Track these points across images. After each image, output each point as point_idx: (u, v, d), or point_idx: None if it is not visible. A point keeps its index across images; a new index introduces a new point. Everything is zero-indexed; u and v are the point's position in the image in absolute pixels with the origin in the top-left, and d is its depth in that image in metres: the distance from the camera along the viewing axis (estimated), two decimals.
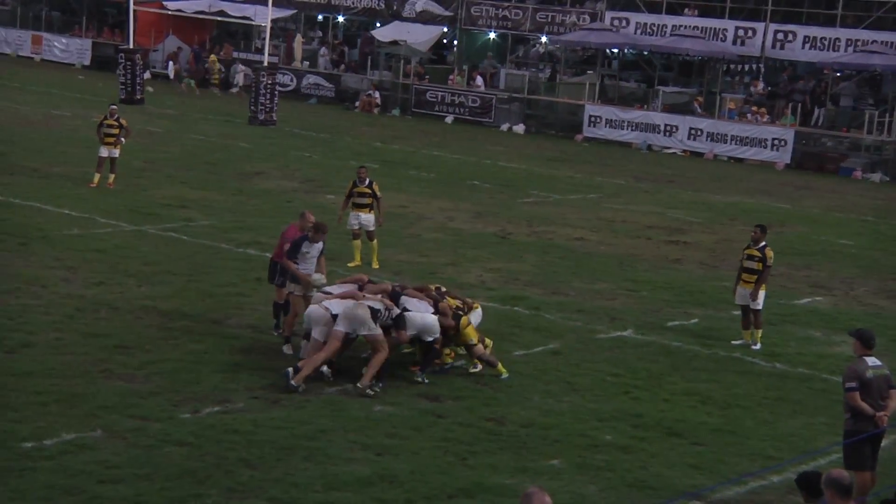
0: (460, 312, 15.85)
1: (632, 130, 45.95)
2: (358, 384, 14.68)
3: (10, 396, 13.48)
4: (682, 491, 12.38)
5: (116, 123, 27.18)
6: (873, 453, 12.17)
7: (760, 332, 18.34)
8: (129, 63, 45.62)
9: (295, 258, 16.02)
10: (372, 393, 14.58)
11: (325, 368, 15.01)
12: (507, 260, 23.25)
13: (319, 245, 16.20)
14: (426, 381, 15.26)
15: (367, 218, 21.56)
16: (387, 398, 14.58)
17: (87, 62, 58.10)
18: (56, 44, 59.68)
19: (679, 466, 13.18)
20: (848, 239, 28.78)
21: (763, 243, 18.28)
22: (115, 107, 28.24)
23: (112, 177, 27.07)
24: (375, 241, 21.55)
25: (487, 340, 16.25)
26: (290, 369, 14.60)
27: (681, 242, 26.76)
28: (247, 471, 11.99)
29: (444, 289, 16.51)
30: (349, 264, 20.63)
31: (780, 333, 19.27)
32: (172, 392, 14.11)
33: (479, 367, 15.91)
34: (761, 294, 18.22)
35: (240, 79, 53.59)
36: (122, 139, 27.34)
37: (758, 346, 18.17)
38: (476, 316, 16.33)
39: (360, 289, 15.63)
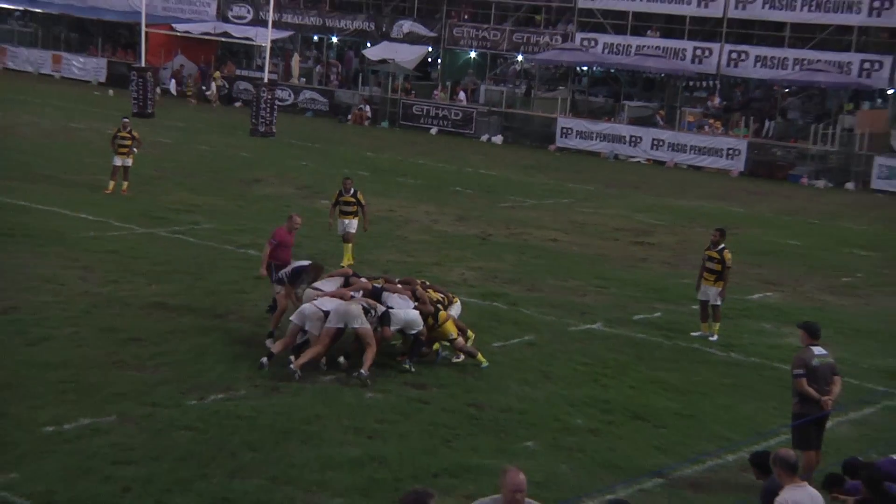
0: (440, 306, 15.82)
1: (600, 141, 45.99)
2: (361, 370, 14.64)
3: (31, 385, 13.42)
4: (646, 470, 12.38)
5: (128, 135, 27.08)
6: (818, 434, 12.22)
7: (718, 325, 18.37)
8: (140, 80, 45.50)
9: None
10: (370, 382, 14.55)
11: (341, 359, 15.08)
12: (487, 259, 23.24)
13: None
14: (413, 369, 15.23)
15: (352, 223, 21.66)
16: (377, 386, 14.54)
17: (102, 79, 57.90)
18: (74, 62, 59.45)
19: (644, 447, 13.18)
20: (796, 240, 28.85)
21: (722, 245, 18.29)
22: (127, 120, 28.13)
23: (125, 184, 26.97)
24: (352, 243, 21.58)
25: (470, 333, 16.23)
26: (265, 359, 14.76)
27: (645, 243, 26.79)
28: (249, 453, 11.95)
29: (427, 283, 16.49)
30: (342, 264, 20.57)
31: (735, 326, 19.30)
32: (180, 381, 14.05)
33: (462, 357, 15.88)
34: (723, 292, 18.24)
35: (213, 88, 53.78)
36: (135, 149, 27.24)
37: (715, 338, 18.19)
38: (455, 309, 16.31)
39: (347, 283, 15.61)
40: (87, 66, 59.20)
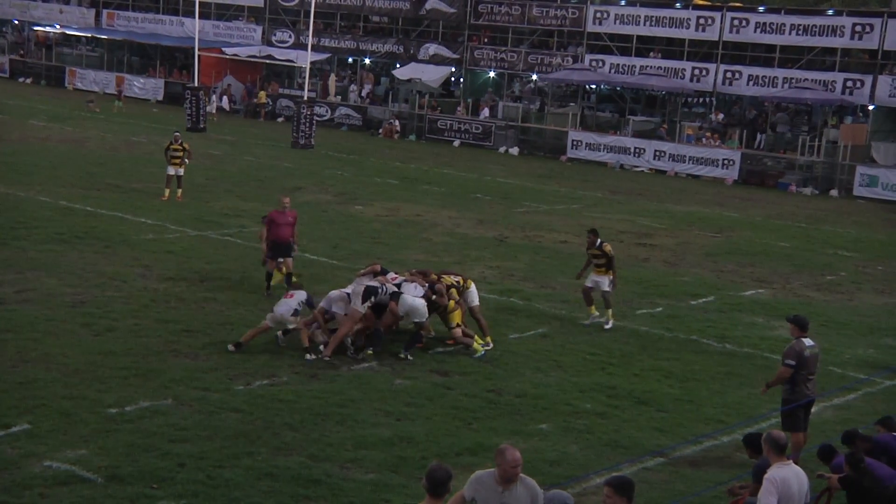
0: (453, 290, 15.76)
1: (607, 152, 45.83)
2: (323, 356, 14.78)
3: (98, 371, 13.51)
4: (649, 449, 12.35)
5: (180, 147, 27.20)
6: (805, 418, 12.17)
7: (611, 311, 18.09)
8: (194, 98, 45.66)
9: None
10: (316, 357, 14.64)
11: (405, 355, 15.09)
12: (504, 259, 23.22)
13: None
14: (410, 357, 15.14)
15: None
16: (405, 373, 14.57)
17: (160, 98, 58.14)
18: (135, 83, 59.72)
19: (646, 429, 13.15)
20: (785, 241, 28.69)
21: (599, 242, 18.10)
22: (178, 133, 28.23)
23: (180, 191, 27.08)
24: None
25: (477, 339, 15.98)
26: (309, 355, 14.76)
27: (648, 245, 26.69)
28: (290, 432, 11.99)
29: (438, 274, 16.41)
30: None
31: (730, 319, 19.22)
32: (229, 368, 14.12)
33: (455, 346, 15.77)
34: (614, 280, 18.05)
35: (225, 103, 54.34)
36: (186, 160, 27.35)
37: (610, 325, 17.86)
38: (472, 294, 16.23)
39: (376, 274, 15.64)
40: (147, 86, 59.45)
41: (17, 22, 69.35)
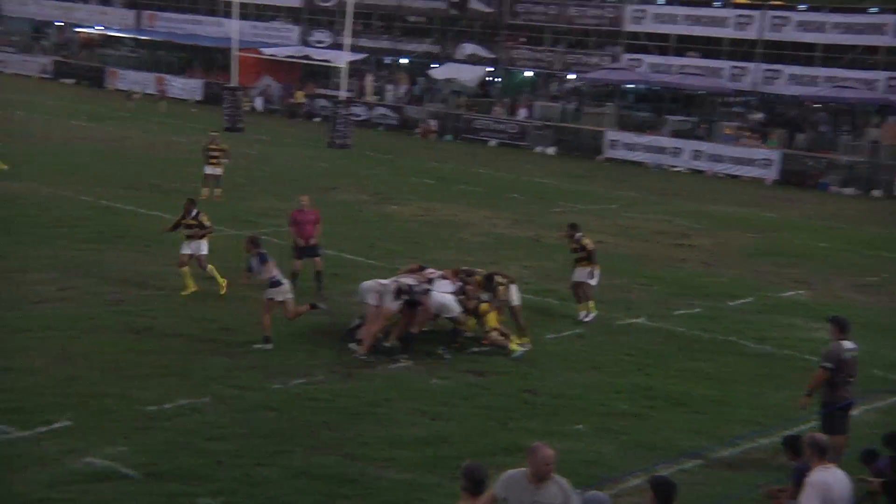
0: (483, 299, 15.77)
1: (644, 152, 45.62)
2: (358, 355, 14.88)
3: (137, 369, 13.65)
4: (685, 451, 12.29)
5: (217, 147, 27.42)
6: (846, 420, 12.04)
7: (592, 302, 18.08)
8: (232, 98, 45.97)
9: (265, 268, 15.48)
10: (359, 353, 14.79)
11: (444, 352, 15.16)
12: (540, 259, 23.17)
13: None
14: (448, 356, 15.19)
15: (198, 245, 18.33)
16: (440, 373, 14.59)
17: (199, 98, 58.57)
18: (175, 83, 60.20)
19: (683, 431, 13.09)
20: (825, 242, 28.42)
21: (578, 235, 18.14)
22: (215, 134, 28.42)
23: (218, 191, 27.28)
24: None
25: (524, 322, 16.14)
26: (354, 344, 14.80)
27: (685, 245, 26.54)
28: (326, 432, 12.05)
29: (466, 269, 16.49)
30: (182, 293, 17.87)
31: (768, 321, 19.07)
32: (266, 367, 14.20)
33: (490, 347, 15.77)
34: (596, 272, 18.07)
35: (260, 103, 54.59)
36: (224, 160, 27.55)
37: (591, 317, 17.89)
38: (514, 293, 16.26)
39: (413, 272, 15.74)
40: (186, 87, 59.93)
41: (60, 24, 70.15)
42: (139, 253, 20.53)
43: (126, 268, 19.19)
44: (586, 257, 18.12)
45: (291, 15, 60.31)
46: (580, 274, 18.11)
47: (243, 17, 53.99)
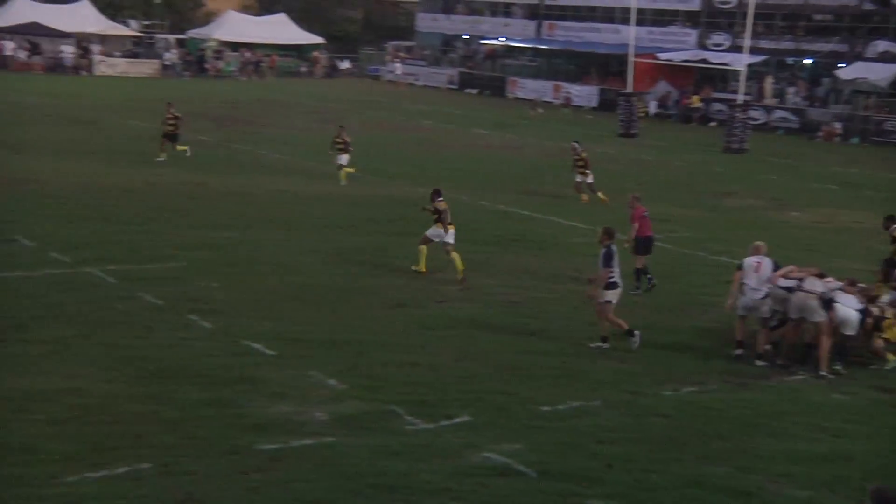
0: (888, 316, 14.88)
1: None
2: (821, 371, 14.13)
3: (530, 369, 14.05)
4: None
5: (580, 157, 27.81)
6: None
7: None
8: (626, 104, 46.29)
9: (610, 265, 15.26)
10: (832, 376, 13.99)
11: (838, 367, 14.55)
12: None
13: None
14: (843, 371, 14.32)
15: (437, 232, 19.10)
16: (844, 388, 13.83)
17: (594, 105, 59.53)
18: (571, 91, 61.57)
19: None
20: None
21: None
22: (576, 144, 28.75)
23: (600, 194, 27.49)
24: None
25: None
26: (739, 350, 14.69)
27: None
28: (717, 441, 11.81)
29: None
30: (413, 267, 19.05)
31: None
32: (656, 373, 14.15)
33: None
34: None
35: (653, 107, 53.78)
36: (587, 170, 27.76)
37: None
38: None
39: (818, 277, 15.08)
40: (582, 94, 61.16)
41: (467, 37, 74.20)
42: (533, 256, 21.18)
43: (520, 270, 19.86)
44: None
45: (689, 18, 59.70)
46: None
47: (640, 22, 54.19)
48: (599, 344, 15.13)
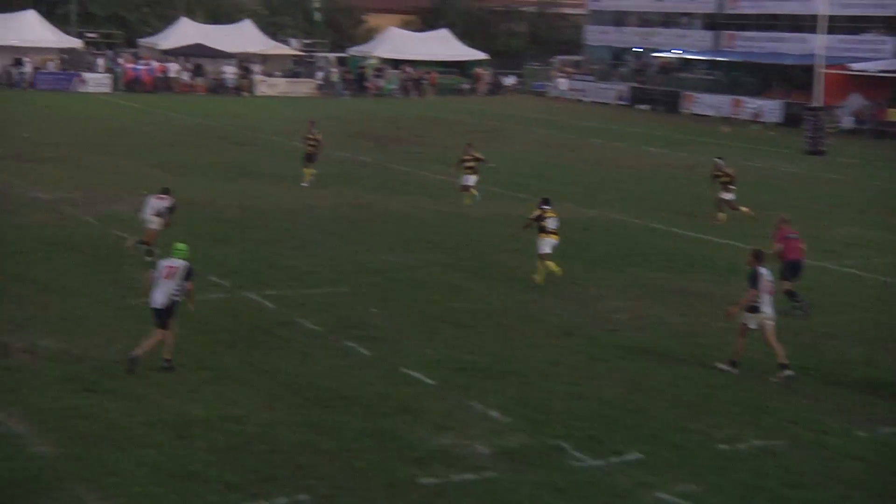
0: None
1: None
2: None
3: (708, 404, 13.76)
4: None
5: (726, 174, 27.35)
6: None
7: None
8: (814, 119, 44.99)
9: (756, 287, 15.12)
10: None
11: None
12: None
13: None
14: None
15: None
16: None
17: (778, 120, 58.03)
18: (751, 105, 60.08)
19: None
20: None
21: None
22: (719, 160, 28.05)
23: (744, 209, 26.95)
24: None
25: None
26: None
27: None
28: None
29: None
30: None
31: None
32: (849, 412, 13.64)
33: None
34: None
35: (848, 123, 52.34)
36: (732, 186, 27.22)
37: None
38: None
39: None
40: (764, 108, 59.74)
41: (639, 50, 73.58)
42: (709, 283, 20.73)
43: (692, 297, 19.48)
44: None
45: (886, 25, 57.63)
46: None
47: (830, 30, 52.60)
48: (727, 367, 15.03)
